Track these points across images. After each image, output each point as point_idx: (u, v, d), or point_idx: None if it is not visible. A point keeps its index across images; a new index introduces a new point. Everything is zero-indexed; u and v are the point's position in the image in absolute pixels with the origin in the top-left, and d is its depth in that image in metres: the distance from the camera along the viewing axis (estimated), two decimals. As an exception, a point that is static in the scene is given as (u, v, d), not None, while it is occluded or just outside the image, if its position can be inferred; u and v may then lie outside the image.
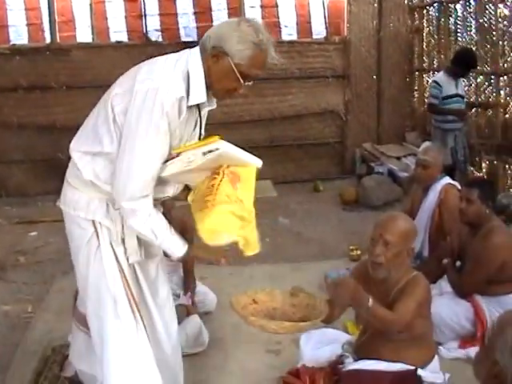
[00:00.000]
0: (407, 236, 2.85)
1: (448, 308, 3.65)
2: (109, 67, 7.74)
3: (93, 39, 8.18)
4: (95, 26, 8.16)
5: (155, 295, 2.71)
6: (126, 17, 8.23)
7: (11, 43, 7.92)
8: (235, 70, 2.32)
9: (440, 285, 3.96)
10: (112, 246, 2.51)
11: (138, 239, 2.52)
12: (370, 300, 2.64)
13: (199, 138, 2.55)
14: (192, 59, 2.37)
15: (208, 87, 2.39)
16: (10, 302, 4.64)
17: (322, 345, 3.10)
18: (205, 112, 2.54)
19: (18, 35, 8.06)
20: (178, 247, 2.46)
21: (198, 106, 2.45)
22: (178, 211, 3.65)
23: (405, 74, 8.74)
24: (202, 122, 2.53)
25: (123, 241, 2.51)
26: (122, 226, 2.50)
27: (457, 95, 6.25)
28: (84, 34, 8.15)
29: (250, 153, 2.47)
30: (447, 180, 4.51)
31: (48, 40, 7.97)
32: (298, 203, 7.36)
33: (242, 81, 2.36)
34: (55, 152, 7.09)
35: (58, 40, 7.95)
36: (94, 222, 2.50)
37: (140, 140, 2.29)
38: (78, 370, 3.22)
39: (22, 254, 5.76)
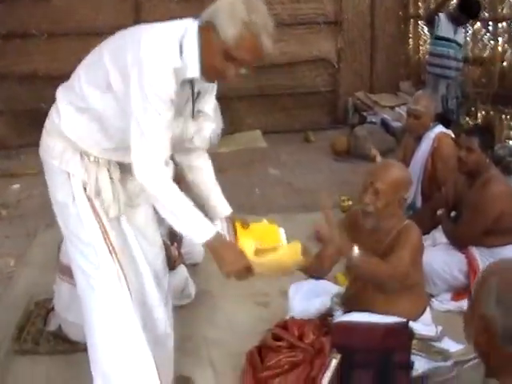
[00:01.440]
0: (399, 185, 2.80)
1: (440, 259, 3.64)
2: (92, 14, 7.58)
3: (76, -16, 7.85)
4: (78, -31, 7.81)
5: (147, 246, 2.64)
6: (111, -40, 7.87)
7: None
8: (221, 47, 2.15)
9: (433, 236, 3.94)
10: (87, 198, 2.41)
11: (114, 194, 2.45)
12: (356, 251, 2.60)
13: (192, 115, 2.45)
14: (189, 32, 2.22)
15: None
16: (-8, 256, 4.58)
17: (311, 296, 3.09)
18: (200, 89, 2.39)
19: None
20: (202, 231, 2.29)
21: (192, 83, 2.33)
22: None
23: (399, 21, 8.56)
24: (194, 99, 2.39)
25: (99, 193, 2.42)
26: (97, 179, 2.41)
27: (454, 41, 6.18)
28: (66, -21, 7.78)
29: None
30: (440, 128, 4.44)
31: (28, -15, 7.64)
32: (288, 154, 7.28)
33: (226, 62, 2.17)
34: (38, 102, 6.81)
35: (39, -15, 7.64)
36: (68, 173, 2.42)
37: (144, 109, 2.19)
38: (64, 319, 3.25)
39: (4, 207, 5.66)
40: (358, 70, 8.52)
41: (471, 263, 3.61)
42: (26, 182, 6.16)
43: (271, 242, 2.47)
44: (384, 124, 7.49)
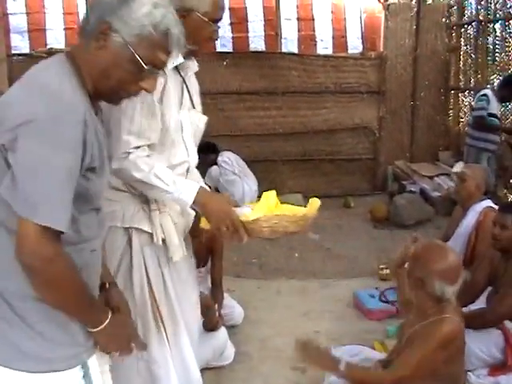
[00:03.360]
0: (421, 263, 2.67)
1: (477, 339, 3.45)
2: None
3: (131, 45, 8.17)
4: (133, 31, 8.13)
5: (184, 300, 2.69)
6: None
7: (48, 47, 7.87)
8: (205, 19, 2.40)
9: (469, 309, 3.73)
10: (142, 252, 2.50)
11: (179, 238, 2.53)
12: (343, 363, 2.58)
13: (193, 106, 2.62)
14: None
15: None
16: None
17: (350, 363, 3.06)
18: (189, 75, 2.60)
19: (56, 39, 8.07)
20: (190, 191, 2.39)
21: (178, 70, 2.52)
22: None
23: (440, 93, 8.62)
24: (187, 86, 2.58)
25: (164, 241, 2.49)
26: (161, 226, 2.48)
27: (498, 116, 6.31)
28: (121, 40, 8.13)
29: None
30: (488, 203, 4.28)
31: (85, 44, 7.96)
32: (328, 218, 7.20)
33: (214, 27, 2.45)
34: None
35: (96, 45, 7.95)
36: (127, 229, 2.49)
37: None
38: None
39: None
40: (399, 138, 8.56)
41: (508, 339, 3.43)
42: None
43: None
44: (423, 193, 7.44)
